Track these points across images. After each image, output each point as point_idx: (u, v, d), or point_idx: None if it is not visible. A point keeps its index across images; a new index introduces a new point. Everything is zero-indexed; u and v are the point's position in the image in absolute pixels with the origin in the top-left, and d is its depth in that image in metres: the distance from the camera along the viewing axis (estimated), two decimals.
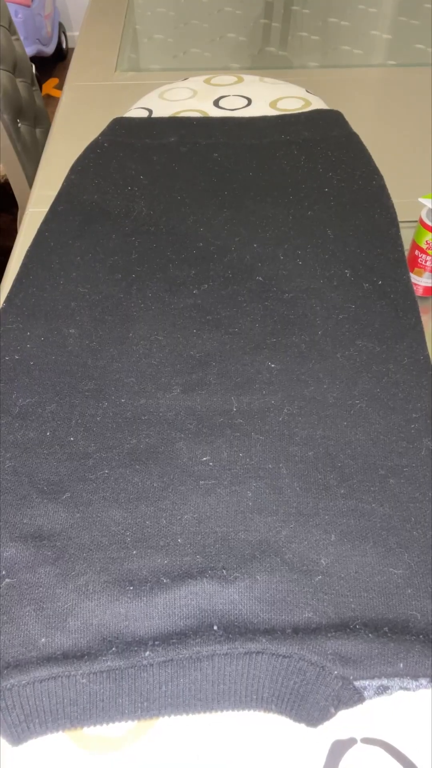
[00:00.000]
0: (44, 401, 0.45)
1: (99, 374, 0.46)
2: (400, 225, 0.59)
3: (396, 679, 0.32)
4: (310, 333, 0.49)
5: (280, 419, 0.43)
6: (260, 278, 0.54)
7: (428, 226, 0.56)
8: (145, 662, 0.32)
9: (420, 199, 0.57)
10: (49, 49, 2.57)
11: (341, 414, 0.44)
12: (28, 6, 2.28)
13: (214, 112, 0.76)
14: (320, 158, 0.67)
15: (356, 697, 0.32)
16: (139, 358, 0.47)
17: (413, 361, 0.47)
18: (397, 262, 0.55)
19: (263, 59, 1.05)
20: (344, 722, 0.32)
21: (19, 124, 1.14)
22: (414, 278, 0.59)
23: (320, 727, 0.32)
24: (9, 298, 0.52)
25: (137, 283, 0.54)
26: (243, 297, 0.52)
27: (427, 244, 0.57)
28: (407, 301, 0.52)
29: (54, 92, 2.57)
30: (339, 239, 0.57)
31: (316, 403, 0.44)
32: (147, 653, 0.32)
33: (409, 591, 0.35)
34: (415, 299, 0.52)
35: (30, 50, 2.37)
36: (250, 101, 0.78)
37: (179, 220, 0.60)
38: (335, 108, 0.76)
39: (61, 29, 2.76)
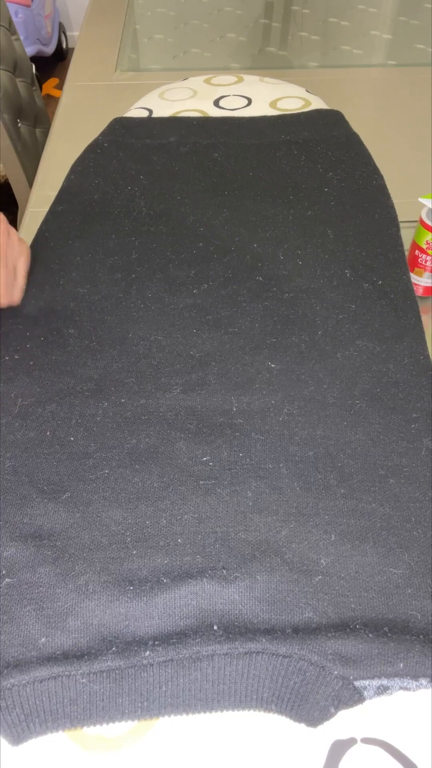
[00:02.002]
0: (44, 401, 0.45)
1: (99, 374, 0.46)
2: (400, 225, 0.59)
3: (396, 679, 0.32)
4: (310, 333, 0.49)
5: (280, 419, 0.43)
6: (260, 278, 0.54)
7: (428, 226, 0.56)
8: (145, 662, 0.32)
9: (420, 199, 0.57)
10: (49, 49, 2.56)
11: (341, 414, 0.44)
12: (28, 6, 2.28)
13: (214, 112, 0.76)
14: (320, 158, 0.67)
15: (356, 697, 0.32)
16: (138, 358, 0.47)
17: (413, 361, 0.47)
18: (397, 262, 0.55)
19: (263, 59, 1.05)
20: (344, 722, 0.32)
21: (19, 124, 1.14)
22: (414, 278, 0.59)
23: (320, 727, 0.32)
24: None
25: (137, 283, 0.54)
26: (243, 297, 0.52)
27: (427, 244, 0.57)
28: (407, 301, 0.52)
29: (54, 92, 2.57)
30: (339, 239, 0.57)
31: (316, 403, 0.44)
32: (147, 653, 0.32)
33: (409, 591, 0.35)
34: (415, 299, 0.52)
35: (30, 50, 2.37)
36: (250, 101, 0.78)
37: (179, 220, 0.60)
38: (335, 108, 0.76)
39: (61, 29, 2.76)
